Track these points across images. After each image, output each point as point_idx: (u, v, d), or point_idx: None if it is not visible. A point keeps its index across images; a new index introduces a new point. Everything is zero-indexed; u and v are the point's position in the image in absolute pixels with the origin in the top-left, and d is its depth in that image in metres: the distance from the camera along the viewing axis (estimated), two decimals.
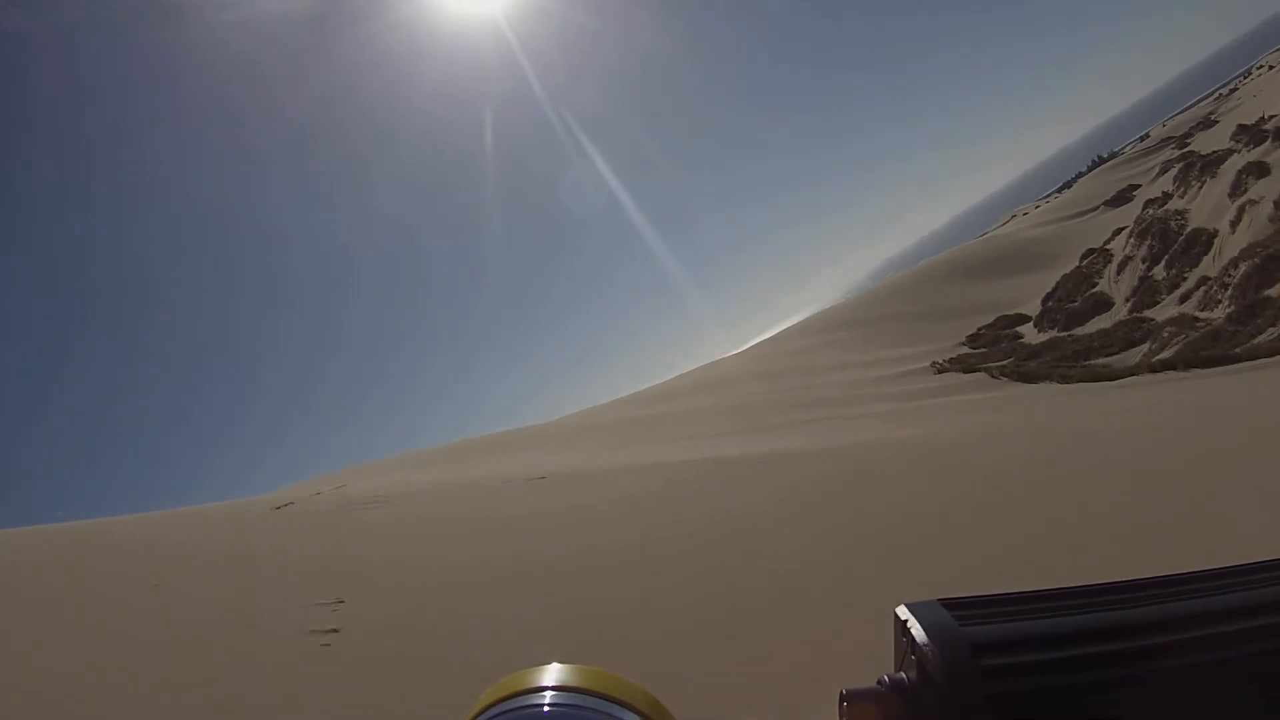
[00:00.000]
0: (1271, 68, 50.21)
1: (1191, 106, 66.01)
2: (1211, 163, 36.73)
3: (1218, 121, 48.32)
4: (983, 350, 39.66)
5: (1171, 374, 21.34)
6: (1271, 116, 35.97)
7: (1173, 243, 33.48)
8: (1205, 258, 30.34)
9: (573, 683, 0.58)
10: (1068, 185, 70.94)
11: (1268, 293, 24.13)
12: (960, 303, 47.43)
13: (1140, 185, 49.53)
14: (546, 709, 0.56)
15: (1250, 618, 0.57)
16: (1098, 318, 34.17)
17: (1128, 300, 33.21)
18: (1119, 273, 36.65)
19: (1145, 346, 26.83)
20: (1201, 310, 26.93)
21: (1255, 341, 22.11)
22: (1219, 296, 26.52)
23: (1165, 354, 24.88)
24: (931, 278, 54.59)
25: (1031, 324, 40.01)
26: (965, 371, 32.07)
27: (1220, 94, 60.25)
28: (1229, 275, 26.66)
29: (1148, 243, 35.51)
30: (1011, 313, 43.38)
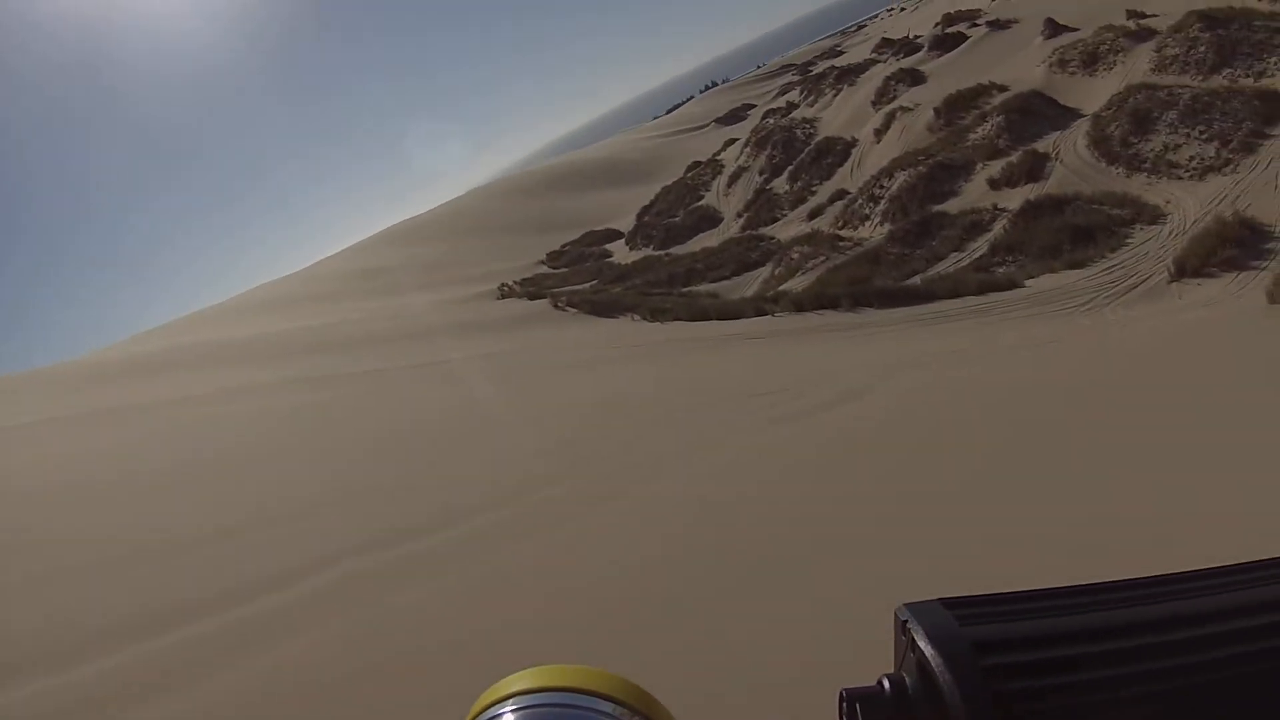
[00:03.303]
0: (904, 9, 47.31)
1: (814, 44, 63.08)
2: (849, 71, 30.15)
3: (844, 52, 43.82)
4: (563, 271, 30.24)
5: (831, 315, 11.90)
6: (918, 36, 30.25)
7: (799, 153, 25.83)
8: (841, 169, 22.72)
9: (542, 684, 0.55)
10: (676, 107, 64.94)
11: (939, 208, 16.23)
12: (546, 218, 39.52)
13: (757, 105, 43.41)
14: (508, 718, 0.54)
15: (1256, 615, 0.56)
16: (702, 234, 25.51)
17: (740, 215, 24.88)
18: (730, 185, 28.57)
19: (767, 270, 17.96)
20: (842, 228, 18.73)
21: (939, 270, 13.70)
22: (865, 211, 18.50)
23: (796, 281, 15.99)
24: (517, 191, 46.21)
25: (624, 241, 30.86)
26: (532, 298, 22.62)
27: (846, 32, 57.82)
28: (880, 187, 18.77)
29: (767, 152, 27.75)
30: (601, 228, 34.16)
